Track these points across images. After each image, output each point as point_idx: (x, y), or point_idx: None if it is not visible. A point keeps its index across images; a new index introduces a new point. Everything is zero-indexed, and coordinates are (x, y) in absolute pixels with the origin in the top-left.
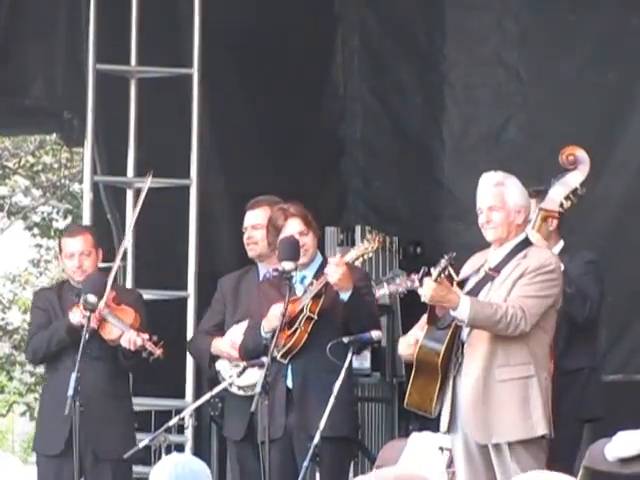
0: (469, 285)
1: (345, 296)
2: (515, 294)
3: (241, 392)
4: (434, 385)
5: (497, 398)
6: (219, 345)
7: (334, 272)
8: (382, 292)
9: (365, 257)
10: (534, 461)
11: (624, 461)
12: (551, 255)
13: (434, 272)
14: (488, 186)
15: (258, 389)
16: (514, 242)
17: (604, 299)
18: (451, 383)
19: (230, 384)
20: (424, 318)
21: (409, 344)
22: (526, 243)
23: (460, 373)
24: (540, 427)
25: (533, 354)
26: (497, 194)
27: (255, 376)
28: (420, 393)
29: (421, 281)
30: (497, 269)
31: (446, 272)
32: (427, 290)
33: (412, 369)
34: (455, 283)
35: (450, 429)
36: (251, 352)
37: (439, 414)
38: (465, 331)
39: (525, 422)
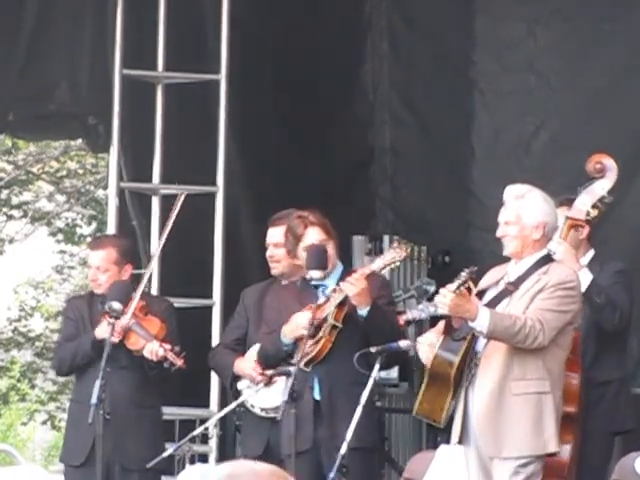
0: (487, 298)
1: (364, 312)
2: (534, 307)
3: (263, 413)
4: (446, 395)
5: (510, 412)
6: (242, 366)
7: (351, 286)
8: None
9: (392, 267)
10: (529, 478)
11: None
12: (572, 272)
13: (453, 284)
14: (508, 199)
15: (285, 398)
16: (535, 257)
17: (634, 309)
18: (463, 394)
19: (252, 405)
20: (441, 324)
21: (429, 344)
22: (547, 259)
23: (473, 384)
24: (551, 444)
25: (548, 370)
26: (514, 209)
27: (278, 398)
28: (431, 402)
29: None
30: (516, 284)
31: (466, 285)
32: (446, 300)
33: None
34: (473, 295)
35: (462, 441)
36: (271, 358)
37: (448, 424)
38: (480, 343)
39: (537, 438)
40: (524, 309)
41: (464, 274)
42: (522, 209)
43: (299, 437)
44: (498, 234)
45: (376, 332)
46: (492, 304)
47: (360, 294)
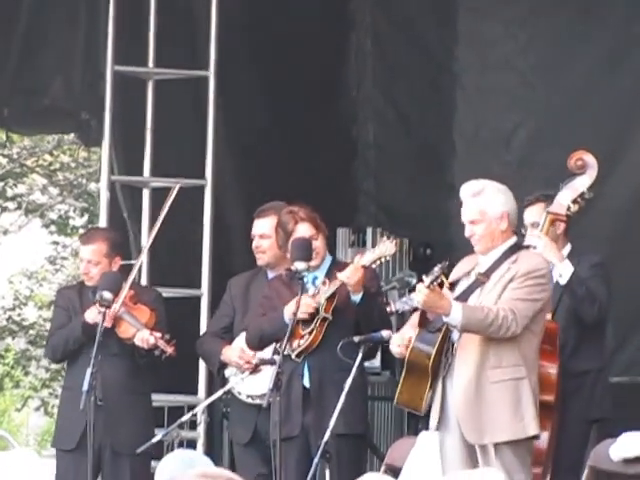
0: (459, 289)
1: (357, 298)
2: (505, 297)
3: (249, 400)
4: (424, 385)
5: (490, 399)
6: (229, 354)
7: (353, 275)
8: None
9: (382, 261)
10: (519, 462)
11: (628, 461)
12: (541, 260)
13: (427, 279)
14: (467, 198)
15: (270, 385)
16: (503, 247)
17: (611, 300)
18: (440, 383)
19: (239, 392)
20: (415, 317)
21: (401, 344)
22: (516, 248)
23: (450, 374)
24: (531, 427)
25: (523, 356)
26: (476, 207)
27: (265, 385)
28: (410, 392)
29: None
30: (487, 274)
31: (438, 280)
32: (420, 296)
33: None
34: (446, 287)
35: (439, 427)
36: (269, 337)
37: (428, 412)
38: (455, 333)
39: (517, 423)
40: (496, 299)
41: (436, 269)
42: (484, 204)
43: (288, 423)
44: (466, 234)
45: (367, 318)
46: (464, 296)
47: (358, 283)
